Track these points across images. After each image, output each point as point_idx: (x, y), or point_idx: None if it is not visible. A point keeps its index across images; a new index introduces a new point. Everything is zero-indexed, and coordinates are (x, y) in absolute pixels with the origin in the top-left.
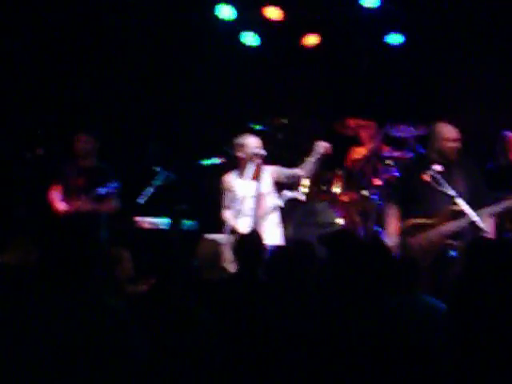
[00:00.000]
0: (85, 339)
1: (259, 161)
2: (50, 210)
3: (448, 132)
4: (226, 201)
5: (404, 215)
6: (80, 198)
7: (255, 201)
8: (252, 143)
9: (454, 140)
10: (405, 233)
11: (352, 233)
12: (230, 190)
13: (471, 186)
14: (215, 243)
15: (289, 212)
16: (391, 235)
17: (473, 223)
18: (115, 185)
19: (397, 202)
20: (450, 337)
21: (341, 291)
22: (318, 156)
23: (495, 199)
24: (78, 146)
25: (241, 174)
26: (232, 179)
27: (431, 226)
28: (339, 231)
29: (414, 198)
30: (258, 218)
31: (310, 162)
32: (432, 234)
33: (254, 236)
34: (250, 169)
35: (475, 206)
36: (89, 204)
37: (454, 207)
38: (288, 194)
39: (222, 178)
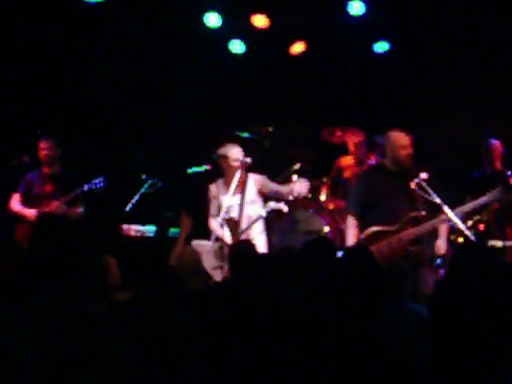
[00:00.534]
0: (69, 347)
1: (244, 170)
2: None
3: (401, 139)
4: (212, 209)
5: (364, 224)
6: (50, 204)
7: (240, 209)
8: (234, 154)
9: (407, 147)
10: (366, 241)
11: (330, 240)
12: (215, 199)
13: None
14: (194, 252)
15: (274, 220)
16: (350, 244)
17: (459, 230)
18: (101, 179)
19: (355, 212)
20: (431, 341)
21: (324, 299)
22: (295, 195)
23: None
24: (41, 152)
25: (226, 183)
26: (218, 188)
27: (392, 233)
28: (318, 239)
29: (373, 206)
30: (242, 227)
31: (291, 189)
32: (393, 241)
33: (248, 245)
34: (235, 178)
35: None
36: (61, 209)
37: (414, 213)
38: (272, 204)
39: (208, 186)
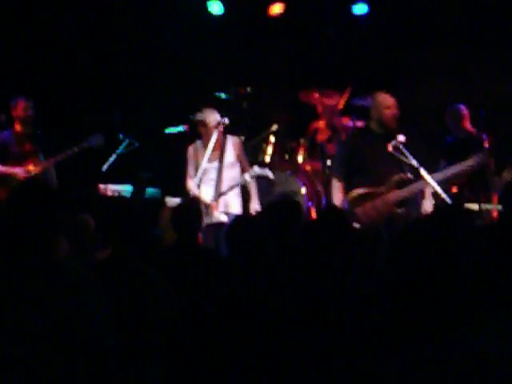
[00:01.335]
0: (46, 305)
1: (222, 131)
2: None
3: (385, 100)
4: (190, 170)
5: (349, 187)
6: (35, 162)
7: (218, 170)
8: (213, 121)
9: (392, 107)
10: (351, 203)
11: (296, 202)
12: (193, 160)
13: (414, 153)
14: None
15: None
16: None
17: (435, 193)
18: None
19: (340, 175)
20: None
21: (294, 261)
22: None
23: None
24: (21, 112)
25: (205, 145)
26: (196, 149)
27: (377, 195)
28: (283, 201)
29: (359, 168)
30: (220, 188)
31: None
32: (379, 203)
33: (191, 204)
34: (213, 139)
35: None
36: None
37: (400, 176)
38: (257, 170)
39: (187, 147)
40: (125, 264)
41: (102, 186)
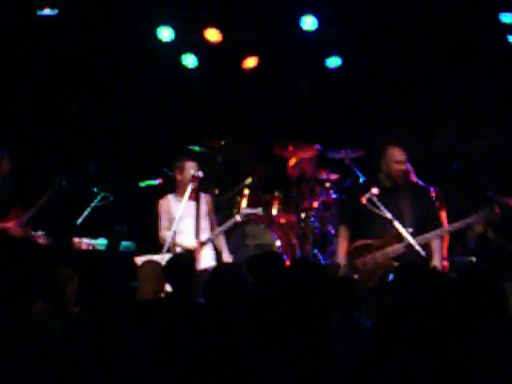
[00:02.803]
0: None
1: (196, 183)
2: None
3: (396, 154)
4: (164, 222)
5: (353, 236)
6: (16, 212)
7: (195, 219)
8: (190, 166)
9: (402, 162)
10: (352, 253)
11: (277, 256)
12: (167, 212)
13: (418, 209)
14: (157, 264)
15: (225, 234)
16: (341, 255)
17: (410, 246)
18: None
19: (347, 223)
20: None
21: (269, 314)
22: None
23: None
24: (7, 166)
25: (179, 196)
26: (168, 202)
27: (378, 248)
28: (264, 255)
29: (362, 219)
30: (199, 236)
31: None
32: (378, 256)
33: (185, 258)
34: (189, 190)
35: (422, 230)
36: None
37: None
38: (247, 210)
39: (158, 201)
40: (97, 318)
41: (76, 240)
